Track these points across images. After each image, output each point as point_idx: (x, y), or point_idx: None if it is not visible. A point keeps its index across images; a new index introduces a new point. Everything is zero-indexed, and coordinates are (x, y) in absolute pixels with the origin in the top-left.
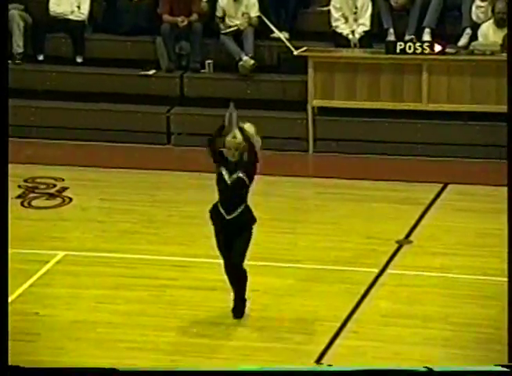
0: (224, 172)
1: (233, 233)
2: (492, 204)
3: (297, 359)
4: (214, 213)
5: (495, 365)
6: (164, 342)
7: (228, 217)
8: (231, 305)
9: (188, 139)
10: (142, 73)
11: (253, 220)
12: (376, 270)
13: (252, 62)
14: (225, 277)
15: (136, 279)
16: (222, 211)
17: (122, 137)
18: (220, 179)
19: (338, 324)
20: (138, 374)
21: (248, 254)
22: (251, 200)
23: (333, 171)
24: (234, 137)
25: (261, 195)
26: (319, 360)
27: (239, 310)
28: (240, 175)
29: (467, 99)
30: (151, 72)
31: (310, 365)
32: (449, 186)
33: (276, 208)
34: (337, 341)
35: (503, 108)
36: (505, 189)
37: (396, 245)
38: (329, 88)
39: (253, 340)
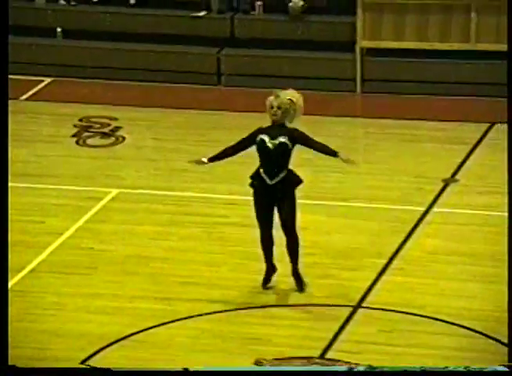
0: (265, 138)
1: (276, 198)
2: None
3: (345, 296)
4: (256, 179)
5: (504, 365)
6: (215, 277)
7: (270, 182)
8: (260, 276)
9: (238, 80)
10: (194, 14)
11: (297, 183)
12: (423, 209)
13: (302, 3)
14: (260, 250)
15: (188, 216)
16: (265, 176)
17: (174, 78)
18: (261, 145)
19: (385, 261)
20: (137, 374)
21: (298, 193)
22: None
23: (381, 111)
24: (277, 96)
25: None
26: (365, 295)
27: (300, 282)
28: (282, 139)
29: None
30: (202, 13)
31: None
32: (496, 126)
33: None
34: (384, 278)
35: None
36: None
37: (442, 184)
38: (377, 28)
39: (303, 274)
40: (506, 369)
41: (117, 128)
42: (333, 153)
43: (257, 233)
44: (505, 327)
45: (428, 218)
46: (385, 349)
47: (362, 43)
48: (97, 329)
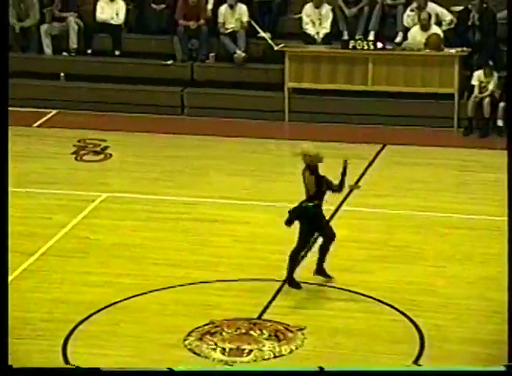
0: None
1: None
2: (417, 159)
3: (276, 273)
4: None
5: (504, 365)
6: (180, 259)
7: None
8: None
9: (197, 111)
10: (163, 63)
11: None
12: (335, 207)
13: (243, 55)
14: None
15: (159, 213)
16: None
17: (149, 110)
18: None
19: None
20: (136, 374)
21: (242, 196)
22: (248, 159)
23: (303, 135)
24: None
25: (250, 152)
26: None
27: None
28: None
29: (401, 83)
30: (170, 62)
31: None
32: (387, 146)
33: (260, 162)
34: (306, 259)
35: (428, 89)
36: (428, 148)
37: (349, 189)
38: (300, 74)
39: (242, 257)
40: (506, 369)
41: (106, 148)
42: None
43: (210, 225)
44: (396, 294)
45: (339, 214)
46: (305, 312)
47: (289, 84)
48: (91, 298)
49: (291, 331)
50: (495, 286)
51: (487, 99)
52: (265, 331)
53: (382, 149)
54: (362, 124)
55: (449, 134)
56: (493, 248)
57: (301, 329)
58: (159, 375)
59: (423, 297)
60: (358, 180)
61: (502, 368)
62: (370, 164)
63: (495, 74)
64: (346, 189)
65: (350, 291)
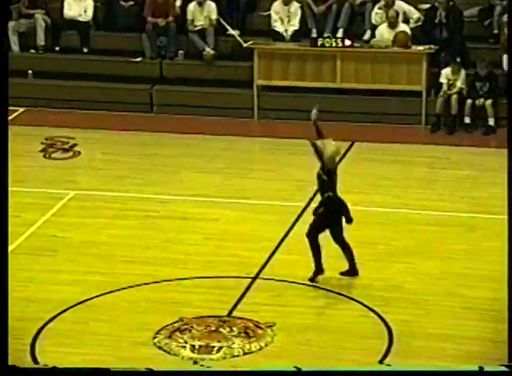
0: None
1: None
2: (385, 156)
3: (246, 270)
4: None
5: (505, 365)
6: (148, 257)
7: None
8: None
9: (166, 109)
10: (132, 60)
11: (330, 211)
12: (303, 204)
13: (212, 52)
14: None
15: (127, 211)
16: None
17: (117, 107)
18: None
19: (276, 243)
20: (135, 374)
21: (211, 193)
22: (217, 156)
23: (273, 132)
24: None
25: (219, 150)
26: (261, 269)
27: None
28: (320, 172)
29: (369, 80)
30: (138, 59)
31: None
32: (355, 144)
33: (230, 159)
34: (275, 256)
35: (396, 87)
36: (396, 145)
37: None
38: (269, 71)
39: (212, 254)
40: (506, 369)
41: (74, 145)
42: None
43: (180, 223)
44: (365, 290)
45: (307, 211)
46: (275, 309)
47: (258, 82)
48: (60, 296)
49: (261, 328)
50: (463, 282)
51: (454, 97)
52: (234, 328)
53: (351, 146)
54: (331, 121)
55: (417, 131)
56: (461, 244)
57: (270, 326)
58: (159, 375)
59: (391, 293)
60: None
61: (504, 368)
62: (339, 161)
63: (463, 72)
64: (312, 186)
65: (319, 287)
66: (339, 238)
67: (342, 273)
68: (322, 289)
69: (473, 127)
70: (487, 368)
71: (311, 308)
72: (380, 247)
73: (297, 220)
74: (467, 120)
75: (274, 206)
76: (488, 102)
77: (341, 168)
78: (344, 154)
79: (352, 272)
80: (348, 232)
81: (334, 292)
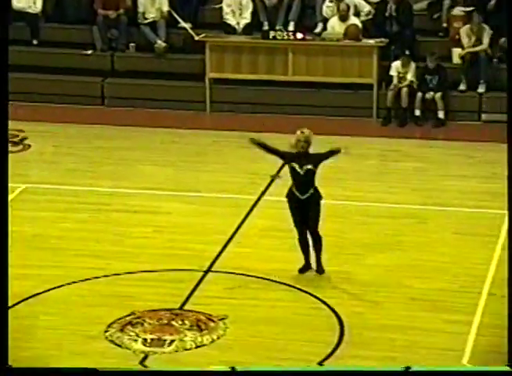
0: (296, 166)
1: (307, 209)
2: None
3: (199, 263)
4: (291, 195)
5: (507, 365)
6: (100, 250)
7: (302, 197)
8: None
9: (117, 102)
10: (83, 52)
11: (320, 197)
12: (255, 197)
13: (164, 45)
14: (299, 247)
15: (79, 204)
16: (297, 193)
17: (68, 100)
18: (293, 171)
19: (228, 237)
20: (134, 374)
21: (164, 186)
22: (170, 149)
23: (225, 125)
24: (302, 132)
25: (171, 143)
26: (214, 262)
27: (321, 269)
28: (309, 167)
29: (321, 73)
30: (89, 52)
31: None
32: None
33: (182, 153)
34: (227, 249)
35: (347, 80)
36: (347, 138)
37: (270, 179)
38: (221, 64)
39: (164, 248)
40: (507, 369)
41: (24, 138)
42: (336, 151)
43: (132, 216)
44: (316, 282)
45: (259, 204)
46: (228, 302)
47: (210, 75)
48: (10, 290)
49: (213, 321)
50: (413, 273)
51: (405, 90)
52: (186, 321)
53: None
54: (283, 114)
55: (368, 124)
56: (411, 236)
57: (222, 318)
58: (159, 375)
59: (343, 285)
60: (279, 170)
61: (507, 368)
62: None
63: (413, 65)
64: (267, 179)
65: (272, 280)
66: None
67: (301, 270)
68: (275, 282)
69: (423, 120)
70: (487, 368)
71: (263, 300)
72: (332, 239)
73: (249, 213)
74: (417, 112)
75: (226, 199)
76: (438, 95)
77: None
78: None
79: (320, 269)
80: None
81: (286, 284)
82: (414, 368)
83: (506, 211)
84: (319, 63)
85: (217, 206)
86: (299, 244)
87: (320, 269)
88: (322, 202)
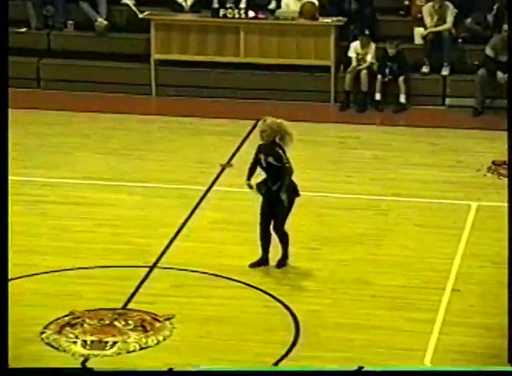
0: (261, 156)
1: (275, 202)
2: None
3: (143, 258)
4: (263, 185)
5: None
6: (36, 246)
7: (273, 188)
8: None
9: (54, 84)
10: (16, 30)
11: (290, 195)
12: (205, 188)
13: (105, 23)
14: (258, 239)
15: (14, 196)
16: (269, 183)
17: None
18: (259, 162)
19: (176, 230)
20: (137, 374)
21: (105, 176)
22: (112, 136)
23: (171, 110)
24: (264, 120)
25: (113, 129)
26: (160, 257)
27: (281, 264)
28: (270, 160)
29: (275, 54)
30: (23, 30)
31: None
32: (259, 122)
33: (127, 140)
34: (175, 243)
35: (303, 61)
36: (302, 124)
37: (220, 168)
38: (167, 44)
39: (106, 242)
40: (507, 369)
41: None
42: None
43: (72, 208)
44: (270, 278)
45: (209, 195)
46: (175, 300)
47: (156, 55)
48: None
49: (159, 321)
50: (372, 268)
51: (364, 72)
52: (130, 322)
53: (255, 125)
54: (234, 98)
55: (326, 109)
56: (371, 229)
57: (169, 318)
58: (160, 375)
59: (298, 281)
60: (231, 159)
61: (509, 368)
62: (243, 141)
63: (373, 45)
64: (217, 168)
65: (222, 276)
66: (282, 226)
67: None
68: (225, 278)
69: (383, 104)
70: (487, 368)
71: (212, 298)
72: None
73: (198, 205)
74: (378, 96)
75: (174, 190)
76: (400, 78)
77: (245, 149)
78: (249, 134)
79: (286, 258)
80: (254, 217)
81: (237, 281)
82: (412, 368)
83: (471, 203)
84: (272, 43)
85: (163, 197)
86: (259, 236)
87: (280, 265)
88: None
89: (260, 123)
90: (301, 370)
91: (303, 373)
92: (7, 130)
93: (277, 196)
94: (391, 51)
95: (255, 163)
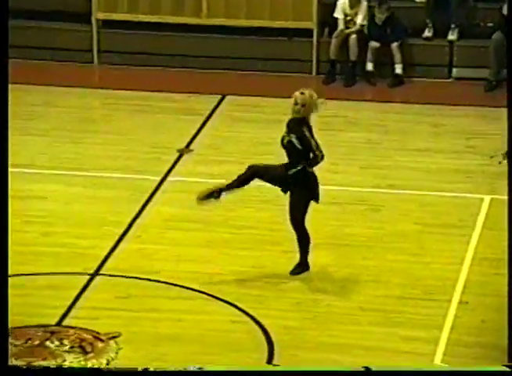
0: (284, 133)
1: (291, 187)
2: (266, 115)
3: (83, 264)
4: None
5: (506, 365)
6: None
7: (289, 172)
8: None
9: None
10: None
11: (304, 184)
12: (159, 178)
13: None
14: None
15: None
16: (288, 166)
17: None
18: (281, 139)
19: (123, 229)
20: (135, 374)
21: (36, 163)
22: (42, 114)
23: (117, 82)
24: (302, 93)
25: (46, 106)
26: (103, 262)
27: (295, 271)
28: (292, 139)
29: (244, 15)
30: None
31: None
32: (227, 97)
33: (63, 119)
34: (122, 245)
35: (277, 23)
36: (279, 100)
37: (177, 154)
38: (112, 1)
39: (36, 244)
40: (507, 369)
41: None
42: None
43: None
44: (237, 288)
45: (164, 186)
46: (122, 315)
47: (98, 15)
48: None
49: (101, 340)
50: (363, 276)
51: (353, 37)
52: (66, 342)
53: (221, 101)
54: (195, 68)
55: (306, 81)
56: (361, 228)
57: (114, 337)
58: (160, 375)
59: (271, 292)
60: (191, 142)
61: (505, 368)
62: (206, 121)
63: (364, 4)
64: (174, 154)
65: (180, 285)
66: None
67: (293, 272)
68: (183, 287)
69: (376, 76)
70: (488, 368)
71: (167, 312)
72: (261, 232)
73: (151, 198)
74: (370, 67)
75: (121, 180)
76: (394, 44)
77: (207, 131)
78: (213, 111)
79: (304, 266)
80: (219, 212)
81: (198, 291)
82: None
83: (483, 196)
84: (241, 2)
85: (108, 189)
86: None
87: (293, 270)
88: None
89: (298, 94)
90: (302, 370)
91: (303, 373)
92: (7, 130)
93: (297, 183)
94: (380, 16)
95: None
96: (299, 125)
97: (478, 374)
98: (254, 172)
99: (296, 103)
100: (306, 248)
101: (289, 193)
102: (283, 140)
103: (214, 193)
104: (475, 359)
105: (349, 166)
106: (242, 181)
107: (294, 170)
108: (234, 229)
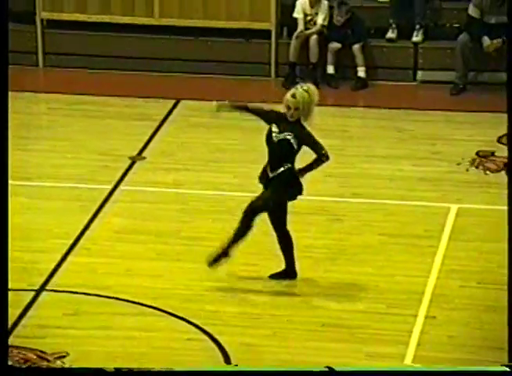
0: (274, 128)
1: (276, 187)
2: (223, 120)
3: (27, 280)
4: (262, 172)
5: (502, 365)
6: None
7: (271, 175)
8: None
9: None
10: None
11: (293, 186)
12: (109, 187)
13: None
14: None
15: None
16: (268, 169)
17: None
18: (268, 135)
19: (71, 241)
20: (137, 374)
21: None
22: None
23: (64, 86)
24: (293, 96)
25: None
26: (50, 277)
27: (278, 275)
28: (288, 137)
29: (199, 15)
30: None
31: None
32: (182, 102)
33: None
34: (69, 259)
35: (234, 24)
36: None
37: (129, 161)
38: (58, 0)
39: None
40: (507, 369)
41: None
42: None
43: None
44: (192, 303)
45: (115, 196)
46: (69, 333)
47: (43, 15)
48: None
49: (48, 360)
50: (324, 290)
51: (314, 38)
52: (9, 362)
53: (175, 106)
54: (147, 71)
55: (265, 85)
56: (322, 239)
57: (61, 356)
58: (161, 375)
59: (228, 306)
60: (143, 149)
61: (505, 368)
62: (159, 126)
63: (325, 3)
64: (125, 162)
65: (130, 301)
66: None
67: (273, 276)
68: (134, 303)
69: (338, 79)
70: (488, 368)
71: (118, 330)
72: (214, 244)
73: (100, 209)
74: (331, 69)
75: (68, 189)
76: (356, 46)
77: (160, 137)
78: (167, 116)
79: (291, 273)
80: (172, 224)
81: (150, 307)
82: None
83: (450, 205)
84: (196, 1)
85: (55, 199)
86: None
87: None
88: (204, 193)
89: (290, 97)
90: (301, 370)
91: (303, 373)
92: (7, 130)
93: (280, 183)
94: (339, 19)
95: (259, 114)
96: (295, 125)
97: (478, 374)
98: (253, 209)
99: (289, 108)
100: (291, 250)
101: (269, 193)
102: (271, 133)
103: (223, 254)
104: None
105: (309, 174)
106: (244, 224)
107: (281, 170)
108: (187, 241)
